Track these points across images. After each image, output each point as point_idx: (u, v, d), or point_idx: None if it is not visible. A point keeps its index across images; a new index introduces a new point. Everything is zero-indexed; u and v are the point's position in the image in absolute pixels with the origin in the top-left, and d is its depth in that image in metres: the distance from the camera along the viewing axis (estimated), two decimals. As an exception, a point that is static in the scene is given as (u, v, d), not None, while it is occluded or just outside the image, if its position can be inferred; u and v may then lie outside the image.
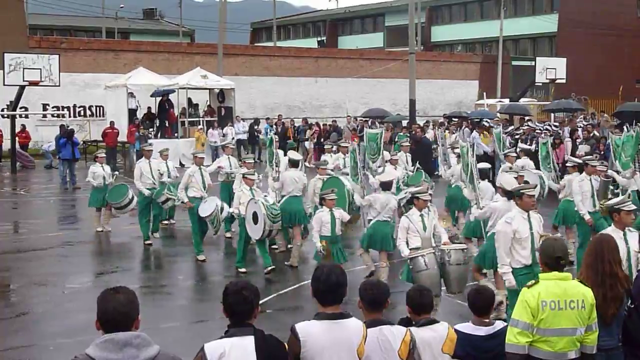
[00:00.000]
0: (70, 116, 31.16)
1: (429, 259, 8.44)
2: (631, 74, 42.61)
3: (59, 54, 27.14)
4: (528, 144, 20.56)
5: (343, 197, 11.59)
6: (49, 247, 13.80)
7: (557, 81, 33.07)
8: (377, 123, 26.36)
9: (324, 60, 41.30)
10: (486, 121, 25.62)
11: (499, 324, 5.37)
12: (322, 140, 28.00)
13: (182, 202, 12.83)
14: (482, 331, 5.27)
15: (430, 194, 9.63)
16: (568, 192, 12.23)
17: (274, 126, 30.14)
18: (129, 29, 62.52)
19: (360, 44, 56.13)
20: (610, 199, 8.47)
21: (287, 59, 40.14)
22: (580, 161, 12.50)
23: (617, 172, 12.99)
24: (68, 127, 24.25)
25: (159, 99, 29.27)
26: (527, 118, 27.33)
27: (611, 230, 6.67)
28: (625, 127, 14.67)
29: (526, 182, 9.62)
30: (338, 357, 4.24)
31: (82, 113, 32.61)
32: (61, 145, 22.59)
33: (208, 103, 31.00)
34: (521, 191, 7.84)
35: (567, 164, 13.18)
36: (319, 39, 62.98)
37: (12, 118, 26.51)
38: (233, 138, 26.71)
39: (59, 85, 26.56)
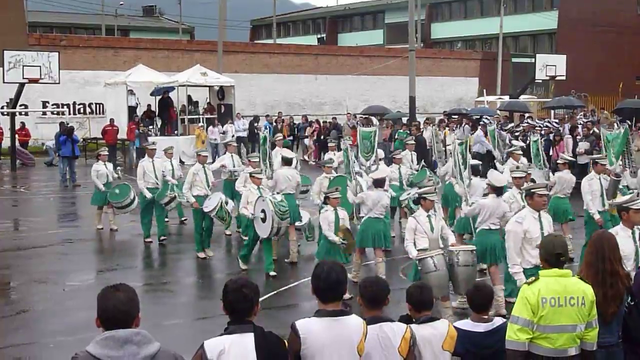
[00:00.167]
0: (70, 114, 31.15)
1: (438, 260, 8.39)
2: (631, 71, 42.56)
3: (58, 51, 27.11)
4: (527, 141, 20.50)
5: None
6: (49, 245, 13.81)
7: (557, 78, 33.07)
8: (373, 120, 26.21)
9: (324, 58, 41.24)
10: (486, 118, 25.60)
11: (498, 320, 5.38)
12: (322, 137, 28.02)
13: (189, 202, 12.80)
14: (481, 327, 5.27)
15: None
16: (558, 189, 12.28)
17: (274, 123, 30.12)
18: (128, 26, 62.43)
19: (360, 41, 56.09)
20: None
21: (287, 56, 40.06)
22: (570, 158, 12.48)
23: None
24: (68, 124, 24.27)
25: (159, 97, 29.25)
26: (526, 115, 27.29)
27: (620, 229, 6.62)
28: (615, 124, 14.63)
29: (533, 181, 9.56)
30: (338, 354, 4.24)
31: (81, 110, 32.58)
32: (61, 142, 22.61)
33: (208, 100, 30.95)
34: (532, 190, 7.73)
35: (558, 161, 13.19)
36: (319, 36, 62.98)
37: (12, 115, 26.47)
38: (233, 135, 26.65)
39: (58, 83, 26.51)
